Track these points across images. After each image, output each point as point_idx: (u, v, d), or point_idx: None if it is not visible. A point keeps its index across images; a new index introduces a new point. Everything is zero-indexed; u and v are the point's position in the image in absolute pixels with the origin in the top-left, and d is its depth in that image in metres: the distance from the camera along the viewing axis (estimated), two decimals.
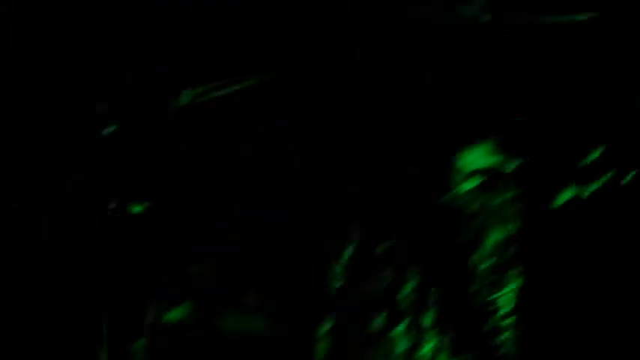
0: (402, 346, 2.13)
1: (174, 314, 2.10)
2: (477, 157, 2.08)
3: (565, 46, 1.93)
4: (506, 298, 2.38)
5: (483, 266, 2.30)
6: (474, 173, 2.12)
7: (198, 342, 2.07)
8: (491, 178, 2.28)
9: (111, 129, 2.40)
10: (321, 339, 2.05)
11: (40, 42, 2.65)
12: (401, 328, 2.13)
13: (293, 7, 2.43)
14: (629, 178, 1.96)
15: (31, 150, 2.64)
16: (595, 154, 1.93)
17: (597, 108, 1.92)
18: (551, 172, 2.00)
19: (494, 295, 2.37)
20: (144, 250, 2.33)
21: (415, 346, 2.15)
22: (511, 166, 2.04)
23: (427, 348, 2.19)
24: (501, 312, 2.38)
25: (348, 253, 2.06)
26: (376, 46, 2.15)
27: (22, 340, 2.63)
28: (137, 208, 2.30)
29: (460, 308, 2.27)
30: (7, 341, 2.64)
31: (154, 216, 2.27)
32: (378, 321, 2.11)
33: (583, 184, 1.99)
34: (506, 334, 2.41)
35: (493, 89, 2.02)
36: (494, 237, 2.33)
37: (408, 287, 2.13)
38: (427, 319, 2.19)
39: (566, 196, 2.01)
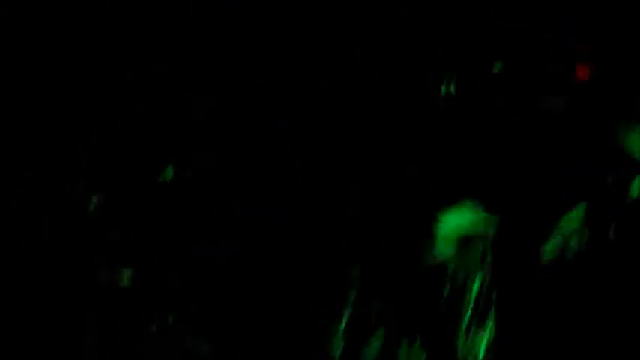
0: None
1: None
2: (460, 216, 2.10)
3: (544, 124, 1.97)
4: (482, 342, 2.44)
5: (467, 313, 2.35)
6: (457, 230, 2.15)
7: None
8: (474, 232, 2.33)
9: (94, 201, 2.41)
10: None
11: (40, 42, 2.65)
12: None
13: (293, 7, 2.43)
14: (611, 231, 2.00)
15: (31, 150, 2.64)
16: (576, 212, 1.98)
17: (576, 173, 1.96)
18: (532, 227, 2.03)
19: (476, 341, 2.42)
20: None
21: None
22: (492, 222, 2.06)
23: None
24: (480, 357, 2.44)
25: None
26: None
27: (22, 340, 2.63)
28: (126, 278, 2.32)
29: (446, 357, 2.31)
30: (7, 341, 2.64)
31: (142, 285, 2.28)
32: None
33: (566, 239, 2.03)
34: None
35: (475, 153, 2.04)
36: (477, 285, 2.38)
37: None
38: None
39: (548, 249, 2.04)
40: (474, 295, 2.35)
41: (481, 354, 2.43)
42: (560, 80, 1.94)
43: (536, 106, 1.96)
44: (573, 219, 2.00)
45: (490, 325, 2.44)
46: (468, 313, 2.34)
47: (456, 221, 2.10)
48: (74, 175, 2.60)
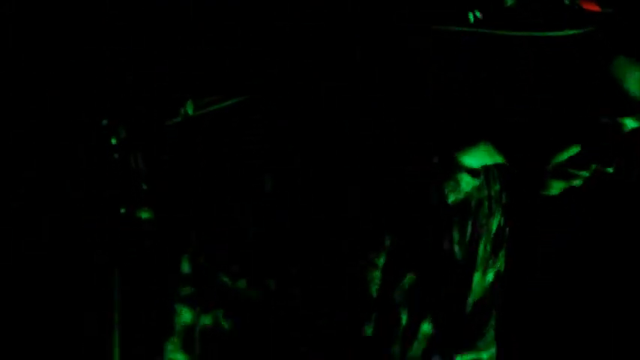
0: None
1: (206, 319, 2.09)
2: (479, 156, 2.16)
3: (556, 59, 2.01)
4: (491, 275, 2.50)
5: (487, 249, 2.42)
6: (477, 170, 2.22)
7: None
8: (491, 172, 2.39)
9: (116, 139, 2.41)
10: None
11: (40, 42, 2.65)
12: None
13: (293, 7, 2.43)
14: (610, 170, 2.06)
15: (31, 150, 2.64)
16: (572, 151, 2.02)
17: (577, 114, 2.02)
18: (539, 167, 2.09)
19: (488, 277, 2.48)
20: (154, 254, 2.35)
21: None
22: (506, 162, 2.12)
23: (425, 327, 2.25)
24: (488, 292, 2.49)
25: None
26: (376, 48, 2.17)
27: (23, 340, 2.63)
28: (146, 214, 2.31)
29: (463, 292, 2.36)
30: (7, 341, 2.64)
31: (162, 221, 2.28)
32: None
33: (568, 178, 2.10)
34: (492, 315, 2.53)
35: (490, 94, 2.07)
36: (496, 222, 2.43)
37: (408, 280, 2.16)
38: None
39: (556, 187, 2.11)
40: (492, 233, 2.42)
41: (487, 283, 2.48)
42: (568, 12, 1.97)
43: (542, 44, 1.99)
44: (571, 160, 2.06)
45: (501, 260, 2.51)
46: (488, 248, 2.41)
47: (476, 157, 2.15)
48: (74, 175, 2.60)
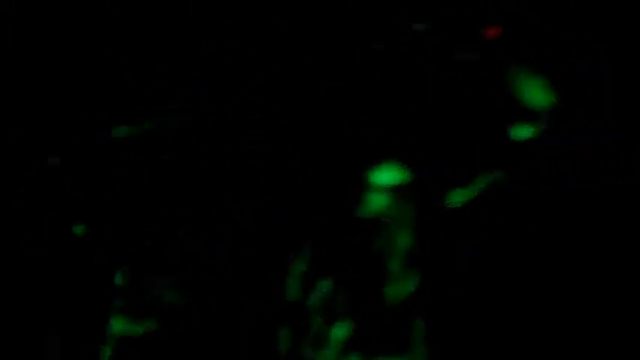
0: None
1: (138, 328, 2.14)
2: (387, 174, 2.22)
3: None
4: (411, 295, 2.53)
5: (397, 266, 2.45)
6: (385, 188, 2.27)
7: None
8: (399, 190, 2.42)
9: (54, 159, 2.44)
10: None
11: (40, 42, 2.65)
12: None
13: (293, 7, 2.43)
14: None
15: (31, 150, 2.65)
16: (468, 163, 2.09)
17: (472, 125, 2.08)
18: (440, 180, 2.15)
19: (404, 294, 2.50)
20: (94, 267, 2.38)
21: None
22: (412, 178, 2.17)
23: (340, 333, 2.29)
24: (409, 308, 2.52)
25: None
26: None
27: (21, 339, 2.64)
28: (79, 229, 2.34)
29: (377, 308, 2.40)
30: (7, 341, 2.64)
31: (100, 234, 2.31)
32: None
33: (467, 188, 2.15)
34: (416, 330, 2.55)
35: (397, 111, 2.12)
36: (404, 239, 2.46)
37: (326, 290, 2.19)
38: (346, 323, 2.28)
39: (457, 197, 2.16)
40: (403, 246, 2.45)
41: (403, 295, 2.51)
42: (473, 37, 2.03)
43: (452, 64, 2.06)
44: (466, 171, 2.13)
45: (416, 275, 2.54)
46: (398, 263, 2.45)
47: (385, 175, 2.23)
48: (74, 176, 2.61)
